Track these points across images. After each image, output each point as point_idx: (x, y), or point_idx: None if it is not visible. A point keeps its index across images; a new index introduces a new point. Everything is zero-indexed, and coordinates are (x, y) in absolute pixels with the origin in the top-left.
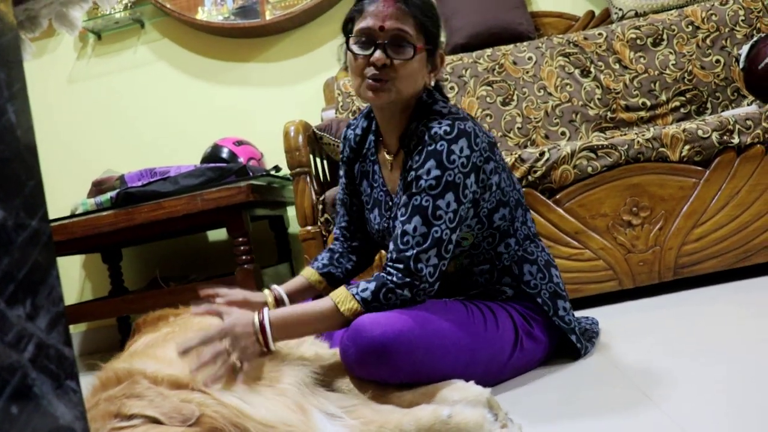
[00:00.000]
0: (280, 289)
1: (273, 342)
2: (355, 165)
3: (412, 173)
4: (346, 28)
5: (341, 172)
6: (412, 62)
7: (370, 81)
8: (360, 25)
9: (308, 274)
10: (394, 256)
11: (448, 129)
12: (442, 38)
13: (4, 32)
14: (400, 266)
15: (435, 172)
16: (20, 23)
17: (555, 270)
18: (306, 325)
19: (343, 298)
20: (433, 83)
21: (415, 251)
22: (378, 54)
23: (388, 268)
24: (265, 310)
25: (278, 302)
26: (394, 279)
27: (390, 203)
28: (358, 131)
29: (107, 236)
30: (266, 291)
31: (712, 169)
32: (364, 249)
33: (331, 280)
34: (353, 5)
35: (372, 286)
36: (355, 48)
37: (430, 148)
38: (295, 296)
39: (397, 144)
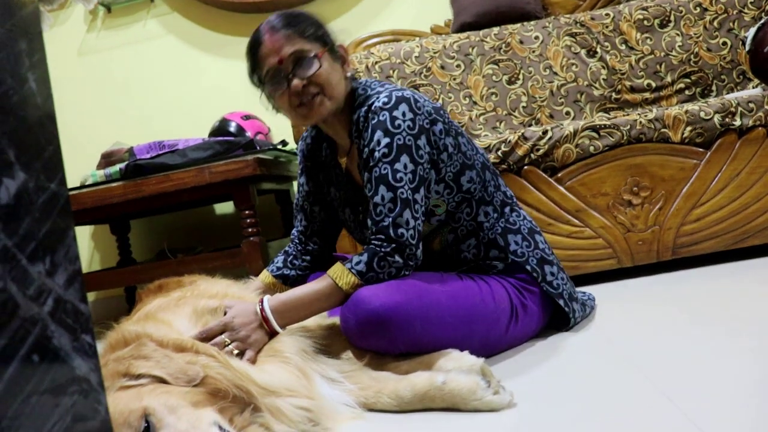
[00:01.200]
0: (245, 293)
1: (279, 327)
2: (317, 173)
3: (366, 149)
4: (255, 81)
5: (301, 180)
6: (323, 68)
7: (303, 106)
8: (264, 70)
9: (263, 277)
10: (374, 229)
11: (386, 100)
12: (332, 33)
13: (25, 4)
14: (382, 236)
15: (385, 141)
16: None
17: (539, 236)
18: (308, 306)
19: (340, 273)
20: (349, 74)
21: (390, 219)
22: (295, 81)
23: (373, 241)
24: (265, 298)
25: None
26: (384, 248)
27: (360, 195)
28: (309, 141)
29: (116, 207)
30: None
31: (713, 151)
32: (318, 251)
33: (285, 281)
34: (247, 62)
35: (365, 257)
36: (272, 90)
37: (373, 122)
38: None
39: (348, 141)
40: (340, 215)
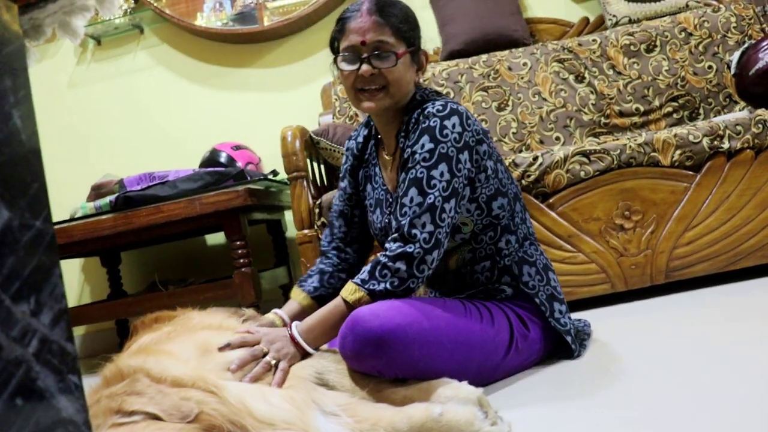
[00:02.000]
0: (283, 314)
1: (312, 349)
2: (359, 172)
3: (408, 150)
4: (333, 47)
5: (342, 184)
6: (397, 67)
7: (364, 92)
8: (344, 43)
9: (301, 298)
10: (393, 227)
11: (440, 108)
12: (422, 37)
13: (10, 41)
14: (396, 235)
15: (428, 146)
16: (25, 32)
17: (552, 274)
18: (328, 326)
19: (346, 287)
20: (421, 79)
21: (409, 218)
22: (365, 67)
23: (387, 244)
24: (293, 324)
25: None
26: (388, 253)
27: (390, 200)
28: (360, 139)
29: (106, 240)
30: (271, 315)
31: (703, 174)
32: (355, 262)
33: (322, 303)
34: (335, 25)
35: (368, 267)
36: (343, 65)
37: (423, 125)
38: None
39: (395, 143)
40: (369, 215)
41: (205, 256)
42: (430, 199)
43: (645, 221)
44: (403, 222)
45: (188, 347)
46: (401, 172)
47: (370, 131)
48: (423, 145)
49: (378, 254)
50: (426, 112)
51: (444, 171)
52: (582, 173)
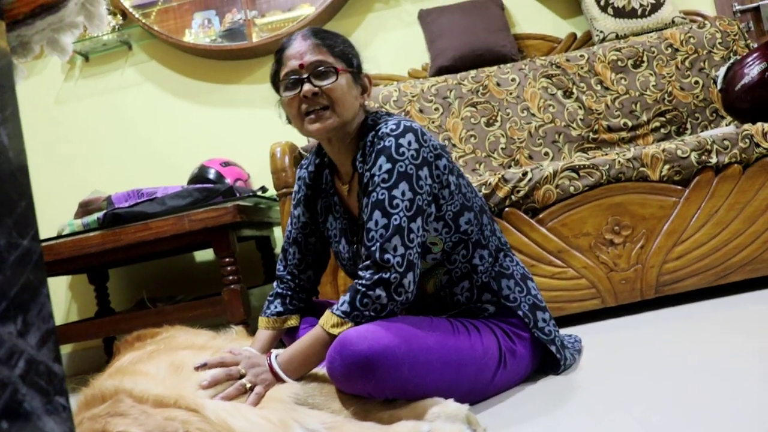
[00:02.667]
0: (254, 352)
1: (291, 380)
2: (317, 202)
3: (367, 174)
4: (274, 83)
5: (296, 212)
6: (339, 83)
7: (309, 115)
8: (283, 71)
9: (270, 323)
10: (364, 255)
11: (394, 126)
12: (362, 62)
13: None
14: (368, 262)
15: (386, 166)
16: (13, 49)
17: (531, 282)
18: (309, 356)
19: (327, 318)
20: (366, 103)
21: (379, 243)
22: (306, 87)
23: (360, 272)
24: (273, 353)
25: None
26: (364, 281)
27: (355, 227)
28: (311, 168)
29: (94, 257)
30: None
31: (691, 189)
32: (311, 286)
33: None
34: (274, 58)
35: (348, 297)
36: (285, 93)
37: (378, 147)
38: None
39: (351, 169)
40: (334, 247)
41: (194, 273)
42: (395, 220)
43: (634, 236)
44: (373, 248)
45: (164, 367)
46: (363, 197)
47: (322, 160)
48: (381, 167)
49: (355, 282)
50: (380, 133)
51: (405, 190)
52: (571, 188)
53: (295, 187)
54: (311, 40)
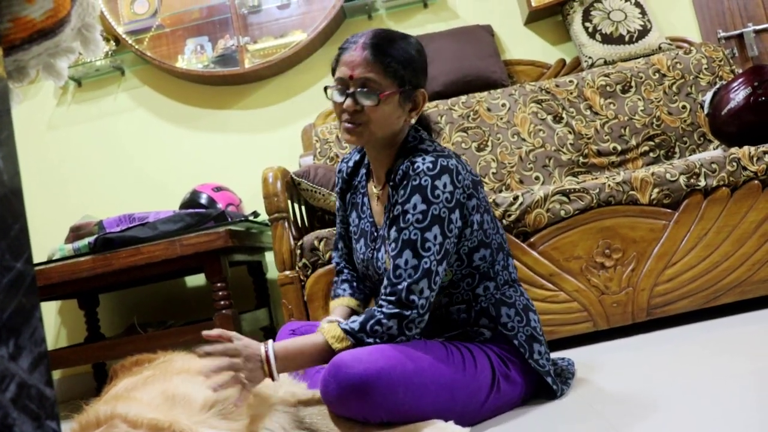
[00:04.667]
0: (338, 318)
1: (277, 372)
2: (347, 195)
3: (399, 207)
4: (332, 71)
5: (338, 204)
6: (382, 107)
7: (346, 125)
8: (337, 73)
9: (346, 301)
10: (388, 290)
11: (431, 165)
12: (423, 76)
13: None
14: (392, 298)
15: (421, 207)
16: (9, 74)
17: (533, 314)
18: (304, 358)
19: (331, 329)
20: (413, 121)
21: (407, 283)
22: (348, 101)
23: (381, 301)
24: (270, 342)
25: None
26: (384, 310)
27: (375, 234)
28: (351, 164)
29: (85, 282)
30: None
31: (680, 212)
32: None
33: (362, 302)
34: (337, 52)
35: (361, 318)
36: (333, 95)
37: (414, 183)
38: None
39: (384, 178)
40: (353, 243)
41: (185, 297)
42: (426, 263)
43: (625, 259)
44: (400, 286)
45: (157, 394)
46: (391, 225)
47: (362, 157)
48: (415, 206)
49: (374, 309)
50: (416, 167)
51: (437, 234)
52: (562, 212)
53: (336, 179)
54: (368, 52)
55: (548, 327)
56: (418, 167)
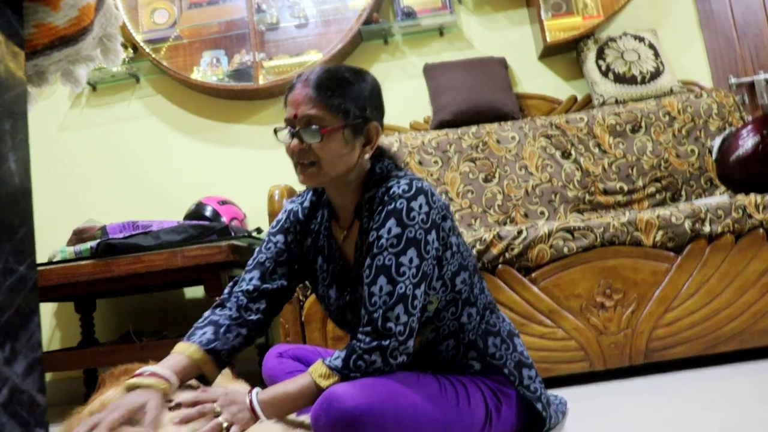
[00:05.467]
0: (163, 371)
1: (266, 418)
2: (305, 241)
3: (373, 233)
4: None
5: (275, 238)
6: (327, 144)
7: (298, 166)
8: (285, 114)
9: (190, 351)
10: (365, 320)
11: (406, 188)
12: (368, 110)
13: (14, 86)
14: (369, 329)
15: (395, 230)
16: (28, 78)
17: (518, 339)
18: (292, 400)
19: (317, 367)
20: (368, 156)
21: (382, 310)
22: (294, 141)
23: (359, 334)
24: (255, 391)
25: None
26: (362, 345)
27: (350, 275)
28: (306, 204)
29: (84, 286)
30: (147, 380)
31: (684, 256)
32: (258, 322)
33: (218, 359)
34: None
35: (343, 354)
36: (281, 136)
37: (389, 207)
38: (176, 377)
39: (351, 216)
40: (320, 290)
41: (182, 309)
42: (401, 288)
43: (626, 300)
44: (375, 315)
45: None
46: (366, 255)
47: (320, 199)
48: (390, 230)
49: (353, 342)
50: (391, 192)
51: (413, 257)
52: (565, 249)
53: (281, 216)
54: (309, 89)
55: (545, 364)
56: (394, 191)
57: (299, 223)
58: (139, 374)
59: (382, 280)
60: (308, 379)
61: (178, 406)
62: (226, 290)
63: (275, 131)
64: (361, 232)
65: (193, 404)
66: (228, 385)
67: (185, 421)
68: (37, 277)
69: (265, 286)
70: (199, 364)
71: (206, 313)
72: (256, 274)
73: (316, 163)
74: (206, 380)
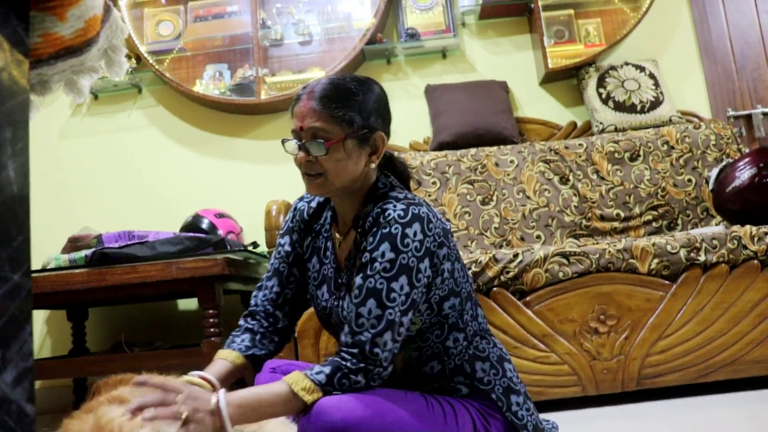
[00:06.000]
0: (209, 376)
1: (230, 424)
2: (305, 239)
3: (367, 255)
4: None
5: (282, 241)
6: (333, 155)
7: (305, 177)
8: (291, 126)
9: (232, 357)
10: (350, 340)
11: (402, 213)
12: (374, 119)
13: (17, 94)
14: (355, 350)
15: (389, 255)
16: (32, 86)
17: (509, 364)
18: (263, 408)
19: (296, 379)
20: (374, 165)
21: (370, 335)
22: (300, 154)
23: (343, 353)
24: (221, 391)
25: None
26: (349, 365)
27: (339, 281)
28: (313, 204)
29: (77, 294)
30: (194, 378)
31: (678, 284)
32: (286, 327)
33: (255, 364)
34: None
35: (327, 369)
36: (288, 148)
37: (384, 231)
38: (222, 382)
39: (350, 225)
40: (311, 290)
41: (175, 320)
42: (390, 314)
43: (620, 326)
44: (362, 338)
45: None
46: (357, 272)
47: (327, 200)
48: (383, 254)
49: (338, 359)
50: (387, 215)
51: (404, 284)
52: (561, 274)
53: (288, 215)
54: (313, 102)
55: (537, 387)
56: (389, 215)
57: (303, 221)
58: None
59: (371, 303)
60: (284, 387)
61: (141, 384)
62: (253, 300)
63: (283, 142)
64: (356, 243)
65: (159, 403)
66: None
67: (141, 406)
68: (31, 286)
69: (286, 291)
70: (240, 369)
71: (240, 322)
72: (275, 281)
73: (323, 174)
74: (245, 384)
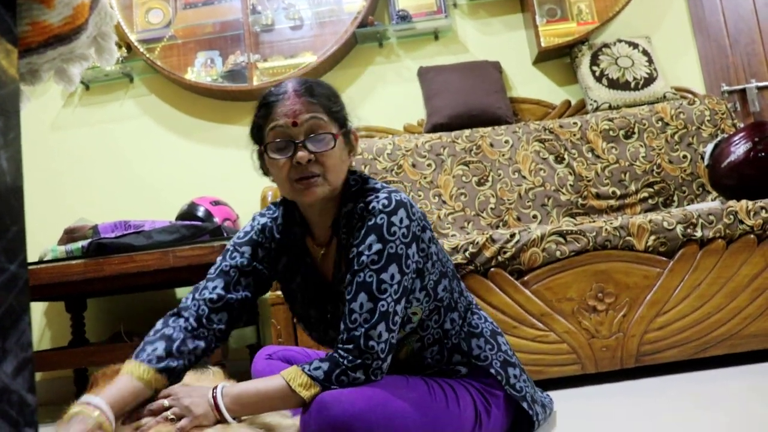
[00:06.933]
0: (103, 405)
1: (230, 417)
2: (280, 259)
3: (354, 250)
4: (256, 137)
5: (242, 249)
6: (335, 151)
7: (302, 181)
8: (273, 128)
9: (139, 372)
10: (345, 336)
11: (386, 202)
12: (349, 117)
13: (6, 84)
14: (351, 346)
15: (376, 246)
16: (21, 76)
17: (501, 338)
18: (261, 403)
19: (295, 375)
20: (353, 163)
21: (364, 329)
22: (300, 153)
23: (340, 350)
24: (220, 386)
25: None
26: (346, 362)
27: (328, 293)
28: (280, 220)
29: (75, 285)
30: (83, 407)
31: (675, 260)
32: (218, 334)
33: (170, 376)
34: (256, 112)
35: (325, 366)
36: (275, 154)
37: (370, 223)
38: (125, 405)
39: (328, 233)
40: (298, 309)
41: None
42: (382, 306)
43: (617, 304)
44: (357, 333)
45: None
46: (346, 272)
47: (292, 216)
48: (370, 246)
49: (336, 355)
50: (371, 207)
51: (394, 273)
52: (558, 253)
53: (249, 227)
54: (306, 97)
55: (537, 366)
56: (374, 207)
57: (274, 240)
58: (85, 402)
59: (363, 297)
60: (281, 382)
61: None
62: (186, 299)
63: (265, 149)
64: (340, 249)
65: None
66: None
67: (133, 418)
68: (28, 276)
69: (229, 296)
70: (151, 384)
71: (158, 324)
72: (219, 283)
73: (321, 174)
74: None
